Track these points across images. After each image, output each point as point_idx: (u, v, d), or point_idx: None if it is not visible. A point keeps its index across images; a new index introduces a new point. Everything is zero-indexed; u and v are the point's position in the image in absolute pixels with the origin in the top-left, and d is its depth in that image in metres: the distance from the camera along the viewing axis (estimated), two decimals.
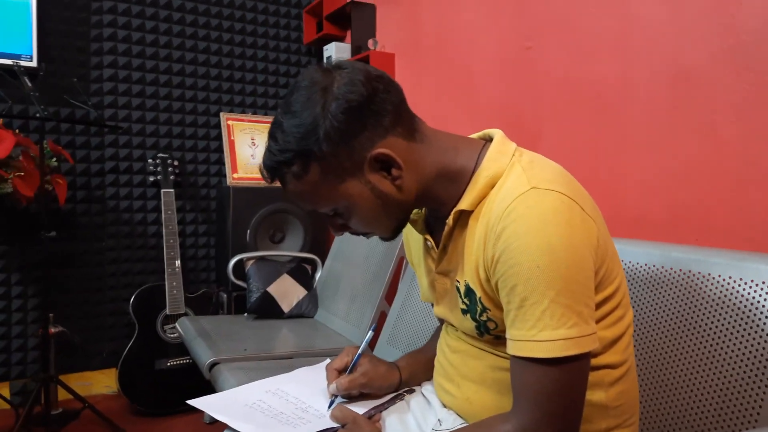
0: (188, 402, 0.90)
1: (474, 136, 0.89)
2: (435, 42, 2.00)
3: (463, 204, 0.79)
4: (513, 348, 0.72)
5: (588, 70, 1.44)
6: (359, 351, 0.97)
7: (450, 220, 0.81)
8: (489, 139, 0.85)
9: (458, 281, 0.83)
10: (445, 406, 0.91)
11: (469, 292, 0.81)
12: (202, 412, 2.27)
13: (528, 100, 1.61)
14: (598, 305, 0.76)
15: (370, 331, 1.00)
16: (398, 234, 0.87)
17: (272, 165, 0.77)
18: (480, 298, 0.79)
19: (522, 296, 0.70)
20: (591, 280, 0.72)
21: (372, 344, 1.76)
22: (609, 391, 0.80)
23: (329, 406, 0.92)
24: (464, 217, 0.80)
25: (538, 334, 0.69)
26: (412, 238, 1.01)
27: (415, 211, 0.90)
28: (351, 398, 0.96)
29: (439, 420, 0.89)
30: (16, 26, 2.20)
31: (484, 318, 0.80)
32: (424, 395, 0.98)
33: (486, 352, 0.84)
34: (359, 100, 0.74)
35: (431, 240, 0.88)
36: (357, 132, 0.75)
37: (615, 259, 0.80)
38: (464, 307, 0.83)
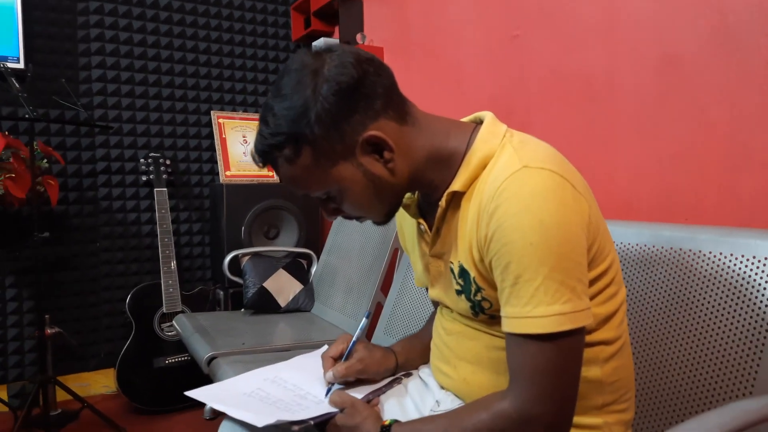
0: (186, 393, 0.90)
1: (465, 119, 0.90)
2: (423, 34, 2.01)
3: (456, 185, 0.80)
4: (508, 325, 0.73)
5: (575, 58, 1.45)
6: (354, 338, 0.97)
7: (443, 202, 0.81)
8: (480, 122, 0.86)
9: (452, 263, 0.84)
10: (442, 387, 0.92)
11: (463, 272, 0.81)
12: (201, 408, 2.29)
13: (516, 90, 1.62)
14: (592, 282, 0.77)
15: (365, 318, 1.01)
16: (391, 218, 0.87)
17: (264, 149, 0.78)
18: (474, 278, 0.80)
19: (516, 274, 0.71)
20: (584, 256, 0.73)
21: (369, 335, 1.77)
22: (604, 367, 0.81)
23: (326, 394, 0.93)
24: (457, 198, 0.81)
25: (533, 310, 0.70)
26: (405, 223, 1.02)
27: (407, 195, 0.91)
28: (348, 385, 0.96)
29: (437, 401, 0.90)
30: (1, 29, 2.18)
31: (478, 298, 0.81)
32: (421, 378, 0.99)
33: (481, 333, 0.85)
34: (350, 82, 0.74)
35: (424, 224, 0.89)
36: (348, 115, 0.75)
37: (607, 237, 0.81)
38: (458, 288, 0.83)
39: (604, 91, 1.37)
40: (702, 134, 1.17)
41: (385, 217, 0.87)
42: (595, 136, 1.39)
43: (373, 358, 0.97)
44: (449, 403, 0.88)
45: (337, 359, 0.97)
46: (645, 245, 1.09)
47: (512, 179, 0.72)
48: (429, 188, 0.85)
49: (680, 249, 1.03)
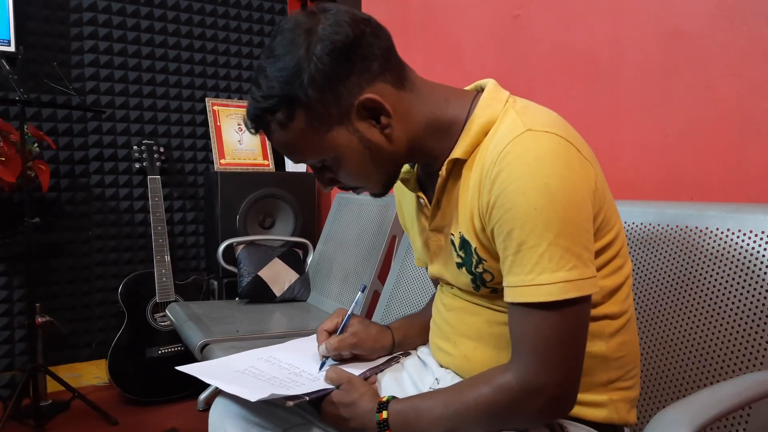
0: (178, 368, 0.87)
1: (467, 88, 0.87)
2: (422, 14, 1.97)
3: (457, 152, 0.77)
4: (510, 295, 0.70)
5: (579, 35, 1.42)
6: (349, 311, 0.95)
7: (443, 171, 0.78)
8: (481, 90, 0.83)
9: (452, 234, 0.81)
10: (442, 365, 0.89)
11: (464, 243, 0.78)
12: (194, 399, 2.26)
13: (518, 69, 1.59)
14: (597, 254, 0.74)
15: (361, 293, 0.98)
16: (388, 189, 0.84)
17: (256, 113, 0.75)
18: (475, 249, 0.77)
19: (519, 240, 0.68)
20: (590, 222, 0.70)
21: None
22: (609, 342, 0.78)
23: (320, 368, 0.91)
24: (458, 167, 0.78)
25: (537, 278, 0.67)
26: (404, 199, 0.99)
27: (406, 169, 0.88)
28: (342, 361, 0.94)
29: (436, 379, 0.87)
30: None
31: (480, 270, 0.78)
32: (419, 358, 0.96)
33: (483, 307, 0.82)
34: (345, 42, 0.71)
35: (424, 197, 0.86)
36: (343, 76, 0.72)
37: (613, 208, 0.79)
38: (459, 260, 0.80)
39: (608, 67, 1.34)
40: (709, 110, 1.14)
41: (382, 188, 0.84)
42: (599, 114, 1.36)
43: (368, 333, 0.94)
44: (449, 380, 0.85)
45: (331, 333, 0.95)
46: (650, 224, 1.06)
47: (515, 143, 0.69)
48: (428, 158, 0.82)
49: (686, 227, 1.01)
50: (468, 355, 0.83)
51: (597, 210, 0.73)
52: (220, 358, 0.96)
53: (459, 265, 0.81)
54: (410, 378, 0.92)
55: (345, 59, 0.71)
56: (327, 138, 0.75)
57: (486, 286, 0.79)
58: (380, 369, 0.93)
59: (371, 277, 1.89)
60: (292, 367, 0.92)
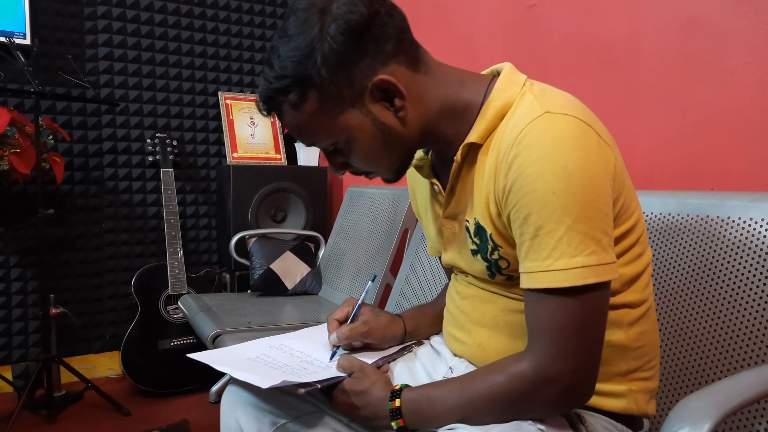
0: (189, 356, 0.87)
1: (483, 72, 0.85)
2: (433, 4, 1.95)
3: (472, 137, 0.75)
4: (527, 281, 0.68)
5: (595, 25, 1.40)
6: (360, 300, 0.94)
7: (458, 156, 0.77)
8: (497, 74, 0.82)
9: (467, 221, 0.79)
10: (455, 355, 0.88)
11: (480, 230, 0.77)
12: (206, 391, 2.26)
13: (532, 60, 1.57)
14: (616, 241, 0.72)
15: (371, 282, 0.97)
16: (402, 174, 0.83)
17: (268, 94, 0.74)
18: (491, 235, 0.75)
19: (536, 225, 0.66)
20: (609, 207, 0.68)
21: None
22: (629, 331, 0.76)
23: (331, 358, 0.90)
24: (473, 152, 0.77)
25: (555, 263, 0.65)
26: (417, 187, 0.98)
27: (420, 156, 0.87)
28: (353, 350, 0.93)
29: (450, 368, 0.86)
30: (8, 3, 2.15)
31: (495, 256, 0.76)
32: (433, 347, 0.95)
33: (498, 295, 0.81)
34: (360, 21, 0.70)
35: (438, 184, 0.84)
36: (357, 57, 0.71)
37: (632, 194, 0.77)
38: (474, 247, 0.79)
39: (625, 57, 1.32)
40: (728, 98, 1.11)
41: (395, 173, 0.82)
42: (615, 104, 1.34)
43: (379, 322, 0.93)
44: (463, 369, 0.84)
45: (342, 322, 0.94)
46: (669, 214, 1.04)
47: (533, 125, 0.68)
48: (442, 143, 0.80)
49: (707, 216, 0.98)
50: (483, 343, 0.82)
51: (616, 195, 0.71)
52: (231, 346, 0.95)
53: (474, 252, 0.79)
54: (423, 367, 0.91)
55: (359, 39, 0.70)
56: (339, 120, 0.73)
57: (501, 273, 0.77)
58: (393, 358, 0.91)
59: (383, 270, 1.88)
60: (304, 355, 0.92)
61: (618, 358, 0.76)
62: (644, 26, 1.27)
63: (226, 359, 0.88)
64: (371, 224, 2.06)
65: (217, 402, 2.23)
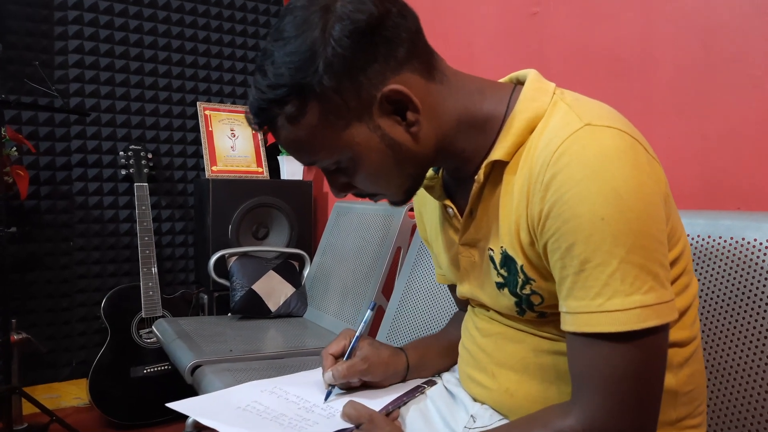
0: (169, 405, 0.74)
1: (502, 80, 0.76)
2: (431, 11, 1.87)
3: (497, 154, 0.66)
4: (573, 323, 0.58)
5: (604, 32, 1.32)
6: (357, 333, 0.84)
7: (480, 176, 0.67)
8: (519, 83, 0.73)
9: (491, 249, 0.69)
10: (476, 400, 0.77)
11: (508, 260, 0.67)
12: (182, 421, 2.11)
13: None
14: None
15: (370, 311, 0.86)
16: (411, 196, 0.73)
17: (261, 106, 0.63)
18: (522, 267, 0.65)
19: (582, 257, 0.56)
20: (665, 234, 0.59)
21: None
22: (678, 374, 0.67)
23: (326, 398, 0.79)
24: (497, 170, 0.67)
25: (606, 303, 0.56)
26: (425, 209, 0.88)
27: (430, 175, 0.77)
28: (350, 389, 0.82)
29: (471, 417, 0.76)
30: None
31: (527, 291, 0.66)
32: (446, 388, 0.84)
33: (527, 334, 0.71)
34: (369, 22, 0.60)
35: (453, 206, 0.74)
36: (365, 63, 0.61)
37: (678, 216, 0.68)
38: (500, 280, 0.69)
39: (638, 66, 1.24)
40: (754, 109, 1.04)
41: (404, 195, 0.72)
42: (627, 116, 1.25)
43: (379, 357, 0.83)
44: (487, 418, 0.74)
45: (338, 357, 0.83)
46: (699, 236, 0.96)
47: (573, 140, 0.58)
48: (459, 160, 0.70)
49: (742, 239, 0.90)
50: (510, 389, 0.72)
51: (666, 218, 0.62)
52: (216, 391, 0.83)
53: (500, 286, 0.69)
54: (439, 413, 0.80)
55: (368, 42, 0.60)
56: (344, 135, 0.63)
57: (533, 310, 0.67)
58: (403, 401, 0.80)
59: (375, 292, 1.77)
60: (301, 400, 0.80)
61: (668, 404, 0.66)
62: (658, 33, 1.20)
63: (211, 409, 0.76)
64: (360, 242, 1.95)
65: None
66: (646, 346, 0.56)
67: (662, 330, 0.57)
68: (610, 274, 0.55)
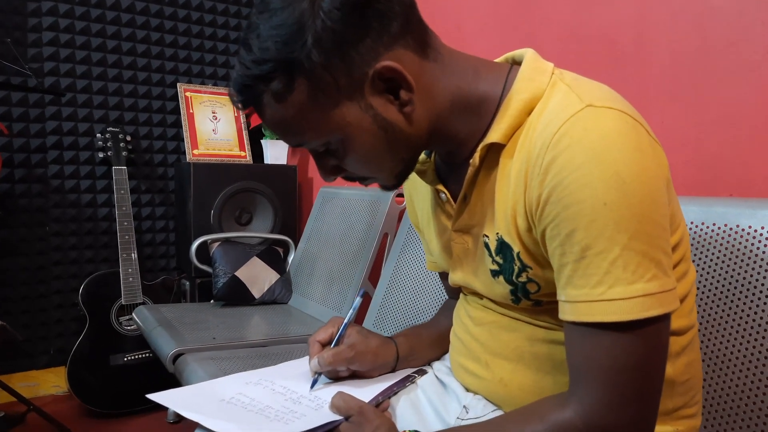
0: (149, 396, 0.71)
1: (497, 60, 0.73)
2: None
3: (493, 136, 0.63)
4: (572, 312, 0.56)
5: (598, 15, 1.30)
6: (345, 320, 0.81)
7: (475, 159, 0.64)
8: (515, 63, 0.70)
9: (487, 236, 0.67)
10: (468, 390, 0.75)
11: (504, 247, 0.65)
12: (164, 410, 2.07)
13: None
14: None
15: (358, 298, 0.84)
16: (403, 179, 0.70)
17: (245, 82, 0.59)
18: (518, 254, 0.63)
19: (583, 244, 0.54)
20: (667, 219, 0.57)
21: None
22: (675, 363, 0.66)
23: (312, 386, 0.78)
24: (493, 153, 0.64)
25: (608, 291, 0.54)
26: (416, 194, 0.85)
27: (422, 159, 0.74)
28: (338, 378, 0.80)
29: (464, 407, 0.74)
30: None
31: (523, 279, 0.64)
32: (438, 378, 0.82)
33: (522, 323, 0.69)
34: None
35: (446, 191, 0.72)
36: (357, 37, 0.57)
37: (677, 200, 0.66)
38: (495, 267, 0.67)
39: (632, 51, 1.22)
40: (751, 95, 1.03)
41: (396, 179, 0.69)
42: None
43: (367, 345, 0.80)
44: (480, 409, 0.72)
45: (325, 345, 0.81)
46: (692, 223, 0.94)
47: (573, 122, 0.56)
48: (453, 143, 0.68)
49: (737, 226, 0.89)
50: (504, 379, 0.70)
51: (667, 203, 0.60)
52: (200, 383, 0.80)
53: (495, 273, 0.67)
54: (430, 403, 0.78)
55: (359, 15, 0.57)
56: (333, 115, 0.60)
57: (529, 298, 0.65)
58: (393, 391, 0.78)
59: (361, 278, 1.74)
60: (288, 391, 0.77)
61: (664, 394, 0.64)
62: (654, 17, 1.18)
63: (194, 401, 0.72)
64: (346, 228, 1.92)
65: (177, 422, 2.05)
66: (648, 336, 0.54)
67: (665, 319, 0.55)
68: (612, 261, 0.53)
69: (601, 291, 0.54)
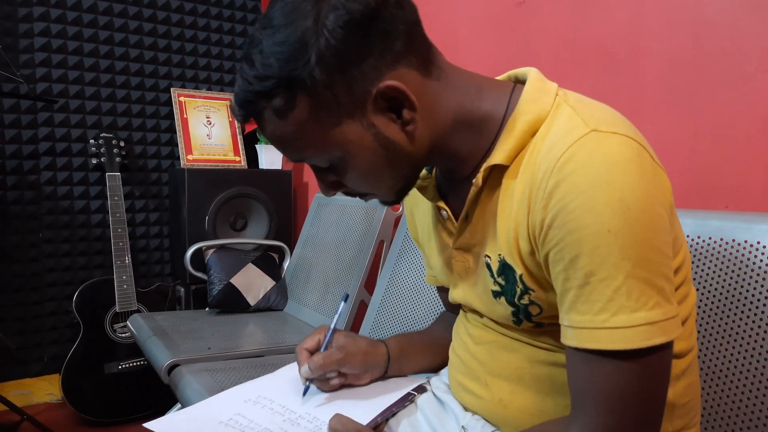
0: (146, 425, 0.71)
1: (499, 77, 0.73)
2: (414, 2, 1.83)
3: (497, 157, 0.63)
4: (575, 337, 0.56)
5: (592, 23, 1.30)
6: (332, 325, 0.82)
7: (479, 180, 0.64)
8: (518, 81, 0.70)
9: (488, 256, 0.67)
10: (467, 409, 0.75)
11: (506, 268, 0.64)
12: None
13: (522, 64, 1.46)
14: None
15: (343, 302, 0.83)
16: (404, 196, 0.70)
17: (247, 98, 0.59)
18: (521, 277, 0.63)
19: (587, 270, 0.54)
20: (669, 246, 0.57)
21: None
22: (676, 386, 0.66)
23: (303, 394, 0.78)
24: (496, 174, 0.64)
25: (611, 319, 0.53)
26: (417, 210, 0.84)
27: (423, 174, 0.74)
28: (331, 390, 0.80)
29: (462, 427, 0.73)
30: None
31: (525, 301, 0.64)
32: (435, 395, 0.82)
33: (522, 343, 0.69)
34: (364, 12, 0.56)
35: (447, 209, 0.71)
36: (360, 56, 0.57)
37: (679, 224, 0.66)
38: (497, 288, 0.66)
39: (627, 60, 1.22)
40: (747, 105, 1.03)
41: (396, 196, 0.69)
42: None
43: (356, 347, 0.81)
44: (479, 429, 0.72)
45: (313, 352, 0.80)
46: (688, 236, 0.94)
47: (578, 146, 0.55)
48: (454, 161, 0.68)
49: (732, 240, 0.89)
50: (504, 399, 0.70)
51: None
52: (196, 404, 0.79)
53: (496, 294, 0.67)
54: (428, 422, 0.78)
55: (363, 34, 0.57)
56: (334, 133, 0.60)
57: (530, 320, 0.65)
58: (392, 412, 0.78)
59: (357, 286, 1.74)
60: (287, 411, 0.77)
61: (666, 418, 0.64)
62: (649, 26, 1.18)
63: (192, 426, 0.72)
64: (342, 234, 1.91)
65: None
66: (650, 364, 0.54)
67: (667, 347, 0.55)
68: (616, 288, 0.53)
69: (605, 318, 0.54)
